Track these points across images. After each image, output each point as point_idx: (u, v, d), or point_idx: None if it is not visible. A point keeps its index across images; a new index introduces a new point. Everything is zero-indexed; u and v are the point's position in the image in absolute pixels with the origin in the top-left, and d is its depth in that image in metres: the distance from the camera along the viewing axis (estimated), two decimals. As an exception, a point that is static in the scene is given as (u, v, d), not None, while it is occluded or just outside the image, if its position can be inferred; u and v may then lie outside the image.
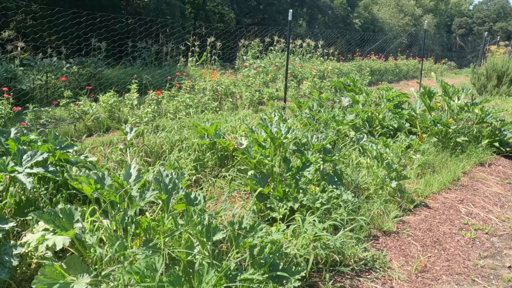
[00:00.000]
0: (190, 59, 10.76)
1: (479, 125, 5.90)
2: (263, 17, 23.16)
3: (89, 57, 8.69)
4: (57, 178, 2.59)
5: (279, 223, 2.87)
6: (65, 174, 2.64)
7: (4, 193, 2.44)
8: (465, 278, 2.79)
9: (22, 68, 7.08)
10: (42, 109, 6.07)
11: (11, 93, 5.49)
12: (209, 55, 11.13)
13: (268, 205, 3.06)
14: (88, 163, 2.87)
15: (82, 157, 2.90)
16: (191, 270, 2.09)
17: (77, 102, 5.88)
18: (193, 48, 11.01)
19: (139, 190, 2.42)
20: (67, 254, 2.21)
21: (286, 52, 8.67)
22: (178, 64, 10.67)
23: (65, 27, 8.86)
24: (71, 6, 10.14)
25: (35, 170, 2.30)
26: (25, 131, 2.84)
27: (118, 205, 2.35)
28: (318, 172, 3.56)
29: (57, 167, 2.66)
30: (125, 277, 1.92)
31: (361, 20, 26.54)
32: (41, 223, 2.27)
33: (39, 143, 2.68)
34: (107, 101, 5.86)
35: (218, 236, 2.14)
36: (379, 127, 5.54)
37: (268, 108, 6.57)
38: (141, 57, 10.69)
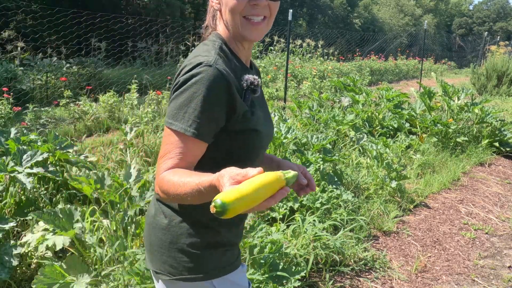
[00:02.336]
0: (190, 59, 10.75)
1: (479, 125, 5.90)
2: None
3: (89, 57, 8.70)
4: (57, 178, 2.59)
5: (279, 223, 2.87)
6: (65, 174, 2.65)
7: (4, 193, 2.44)
8: (465, 278, 2.79)
9: (22, 68, 7.08)
10: (42, 109, 6.07)
11: (11, 93, 5.49)
12: (209, 55, 11.12)
13: (268, 205, 3.05)
14: (88, 163, 2.87)
15: (82, 157, 2.90)
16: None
17: (77, 102, 5.88)
18: (193, 48, 11.01)
19: (139, 190, 2.42)
20: (67, 254, 2.21)
21: (286, 52, 8.68)
22: (178, 64, 10.66)
23: (65, 27, 8.86)
24: (71, 6, 10.15)
25: (35, 170, 2.30)
26: (25, 131, 2.84)
27: (118, 205, 2.35)
28: (318, 172, 3.56)
29: (57, 167, 2.66)
30: (125, 278, 1.92)
31: (361, 20, 26.55)
32: (41, 223, 2.27)
33: (39, 143, 2.68)
34: (107, 101, 5.86)
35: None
36: (379, 127, 5.55)
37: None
38: (141, 57, 10.70)
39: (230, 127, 1.03)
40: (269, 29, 1.11)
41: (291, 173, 0.89)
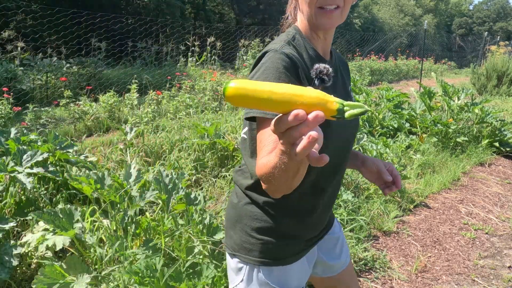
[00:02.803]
0: (190, 59, 10.76)
1: (479, 125, 5.90)
2: (263, 17, 23.17)
3: (89, 57, 8.70)
4: (57, 178, 2.59)
5: (279, 223, 2.87)
6: (65, 174, 2.65)
7: (4, 193, 2.44)
8: (465, 278, 2.79)
9: (22, 68, 7.08)
10: (42, 109, 6.08)
11: (11, 93, 5.49)
12: (209, 55, 11.13)
13: (268, 205, 3.05)
14: (88, 163, 2.87)
15: (82, 157, 2.90)
16: (191, 270, 2.09)
17: (77, 102, 5.88)
18: (193, 48, 11.01)
19: (139, 190, 2.42)
20: (67, 254, 2.21)
21: (286, 52, 8.67)
22: (178, 64, 10.66)
23: (65, 27, 8.87)
24: (71, 6, 10.15)
25: (35, 170, 2.30)
26: (25, 131, 2.84)
27: (118, 205, 2.35)
28: (318, 172, 3.56)
29: (57, 167, 2.66)
30: (125, 277, 1.92)
31: (361, 20, 26.54)
32: (41, 223, 2.27)
33: (39, 143, 2.68)
34: (107, 101, 5.86)
35: (219, 236, 2.14)
36: (379, 127, 5.54)
37: (268, 108, 6.55)
38: (141, 57, 10.69)
39: None
40: (343, 20, 1.13)
41: (351, 103, 0.65)
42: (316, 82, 1.04)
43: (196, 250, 2.12)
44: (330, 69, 1.03)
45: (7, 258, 1.99)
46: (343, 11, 1.10)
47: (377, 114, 5.66)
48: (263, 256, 1.16)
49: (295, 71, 1.03)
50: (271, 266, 1.16)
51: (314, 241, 1.27)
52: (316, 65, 1.04)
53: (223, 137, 4.00)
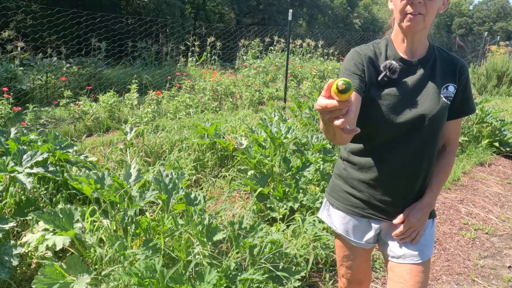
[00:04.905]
0: (190, 59, 10.75)
1: (479, 125, 5.90)
2: (263, 17, 23.18)
3: (89, 57, 8.69)
4: (57, 178, 2.59)
5: (279, 223, 2.87)
6: (65, 174, 2.65)
7: (4, 193, 2.44)
8: (465, 278, 2.79)
9: (22, 68, 7.07)
10: (42, 109, 6.07)
11: (11, 93, 5.49)
12: (209, 55, 11.12)
13: (268, 205, 3.06)
14: (88, 163, 2.87)
15: (82, 157, 2.90)
16: (191, 270, 2.09)
17: (77, 102, 5.88)
18: (193, 48, 11.01)
19: (139, 190, 2.42)
20: (67, 254, 2.21)
21: (286, 52, 8.67)
22: (178, 64, 10.66)
23: (65, 27, 8.87)
24: (71, 6, 10.15)
25: (35, 170, 2.30)
26: (25, 131, 2.84)
27: (118, 205, 2.35)
28: (318, 172, 3.56)
29: (57, 167, 2.66)
30: (125, 278, 1.92)
31: (361, 20, 26.55)
32: (41, 223, 2.27)
33: (39, 143, 2.68)
34: (107, 101, 5.86)
35: (218, 236, 2.14)
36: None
37: (268, 108, 6.57)
38: (141, 57, 10.69)
39: (366, 94, 1.37)
40: (426, 26, 1.32)
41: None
42: (384, 72, 1.37)
43: (196, 251, 2.12)
44: (395, 66, 1.36)
45: (7, 258, 1.99)
46: (426, 18, 1.29)
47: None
48: (328, 193, 1.61)
49: (360, 60, 1.39)
50: (329, 204, 1.60)
51: (369, 212, 1.49)
52: (385, 62, 1.38)
53: (223, 137, 4.00)
